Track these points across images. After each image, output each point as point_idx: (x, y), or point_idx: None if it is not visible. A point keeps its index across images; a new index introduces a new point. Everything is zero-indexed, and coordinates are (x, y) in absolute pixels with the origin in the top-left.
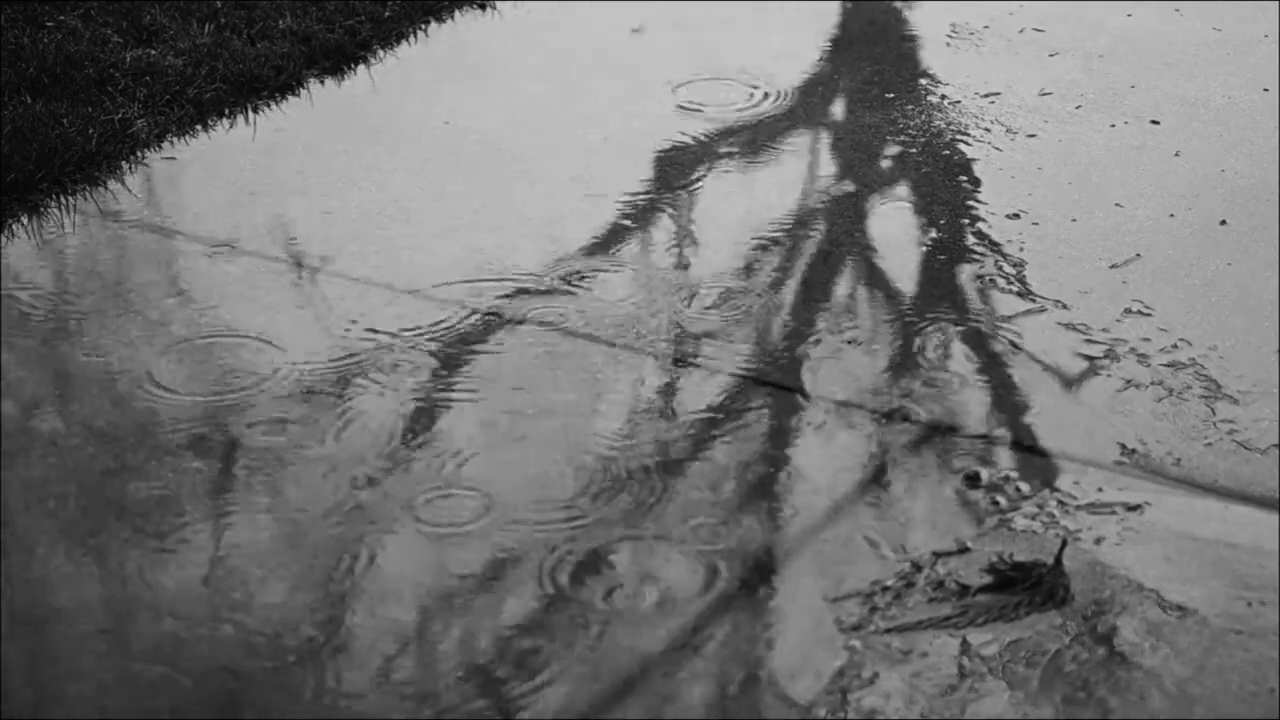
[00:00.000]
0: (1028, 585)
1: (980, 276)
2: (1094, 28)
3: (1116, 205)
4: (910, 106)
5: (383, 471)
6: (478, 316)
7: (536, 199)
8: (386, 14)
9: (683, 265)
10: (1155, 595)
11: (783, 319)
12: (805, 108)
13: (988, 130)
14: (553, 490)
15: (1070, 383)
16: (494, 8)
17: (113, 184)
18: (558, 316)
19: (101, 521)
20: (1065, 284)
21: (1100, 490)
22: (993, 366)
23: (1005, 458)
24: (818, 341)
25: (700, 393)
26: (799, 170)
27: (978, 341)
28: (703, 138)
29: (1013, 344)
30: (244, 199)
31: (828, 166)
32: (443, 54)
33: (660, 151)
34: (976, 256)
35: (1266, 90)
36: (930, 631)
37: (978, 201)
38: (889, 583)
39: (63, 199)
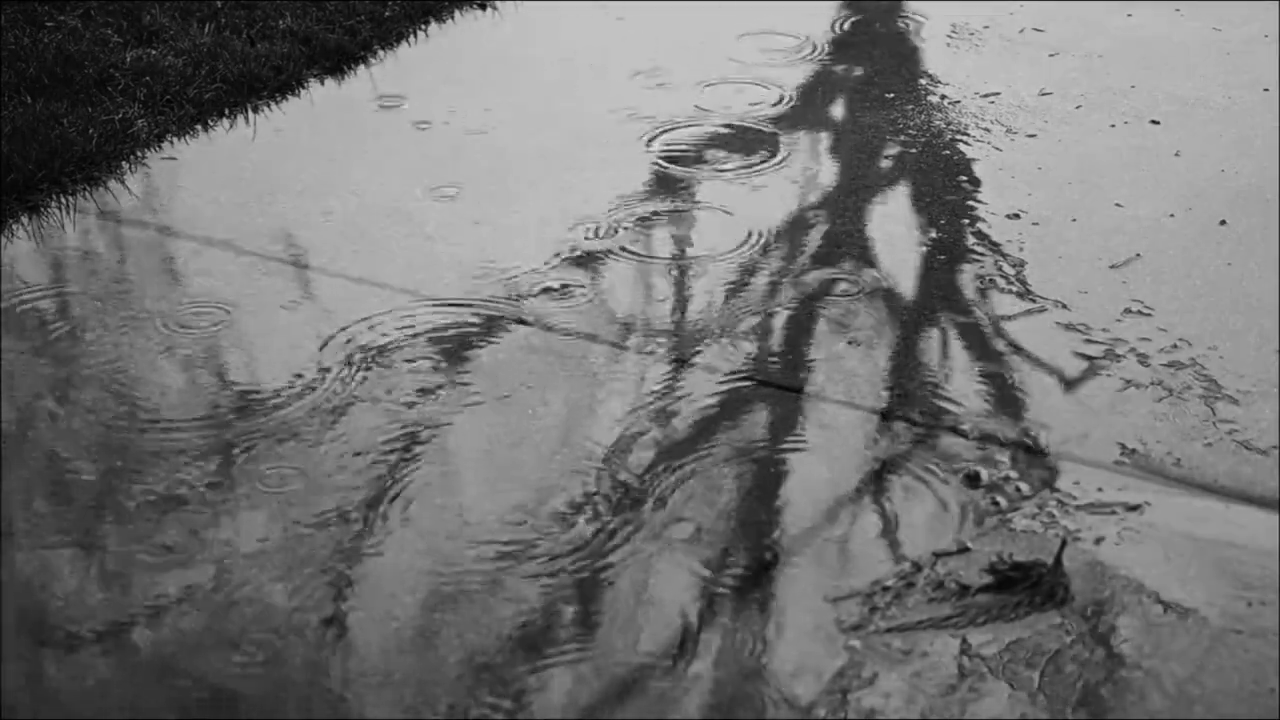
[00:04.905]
0: (1028, 585)
1: (980, 276)
2: (1094, 28)
3: (1116, 205)
4: (910, 106)
5: (383, 471)
6: (478, 316)
7: (536, 199)
8: (386, 14)
9: (683, 265)
10: (1155, 595)
11: (783, 319)
12: (805, 108)
13: (988, 130)
14: (552, 490)
15: (1070, 383)
16: (494, 8)
17: (113, 184)
18: (558, 316)
19: (102, 521)
20: (1065, 284)
21: (1100, 490)
22: (993, 366)
23: (1005, 458)
24: (818, 341)
25: (700, 393)
26: (799, 170)
27: (978, 341)
28: (702, 137)
29: (1013, 344)
30: (244, 199)
31: (828, 166)
32: (443, 54)
33: (660, 151)
34: (976, 256)
35: (1266, 90)
36: (930, 631)
37: (978, 201)
38: (889, 583)
39: (63, 199)
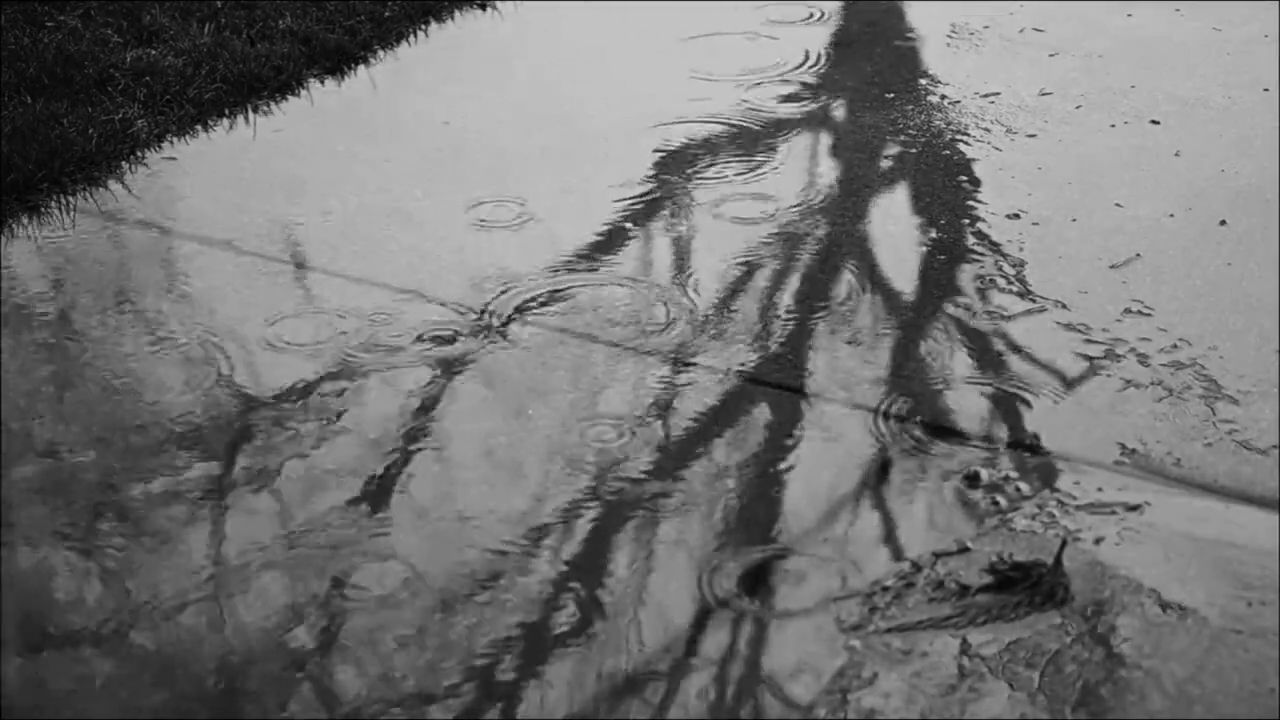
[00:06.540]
0: (1028, 585)
1: (980, 276)
2: (1094, 28)
3: (1116, 205)
4: (910, 106)
5: (383, 471)
6: (477, 317)
7: (536, 199)
8: (386, 14)
9: (683, 265)
10: (1155, 595)
11: (783, 319)
12: (805, 107)
13: (988, 130)
14: (552, 491)
15: (1070, 383)
16: (494, 8)
17: (113, 184)
18: (558, 317)
19: (101, 521)
20: (1065, 284)
21: (1100, 490)
22: (993, 366)
23: (1005, 458)
24: (818, 341)
25: (700, 393)
26: (799, 170)
27: (978, 341)
28: (702, 138)
29: (1013, 344)
30: (244, 199)
31: (828, 166)
32: (443, 54)
33: (660, 151)
34: (976, 256)
35: (1266, 90)
36: (930, 631)
37: (978, 201)
38: (889, 583)
39: (63, 199)
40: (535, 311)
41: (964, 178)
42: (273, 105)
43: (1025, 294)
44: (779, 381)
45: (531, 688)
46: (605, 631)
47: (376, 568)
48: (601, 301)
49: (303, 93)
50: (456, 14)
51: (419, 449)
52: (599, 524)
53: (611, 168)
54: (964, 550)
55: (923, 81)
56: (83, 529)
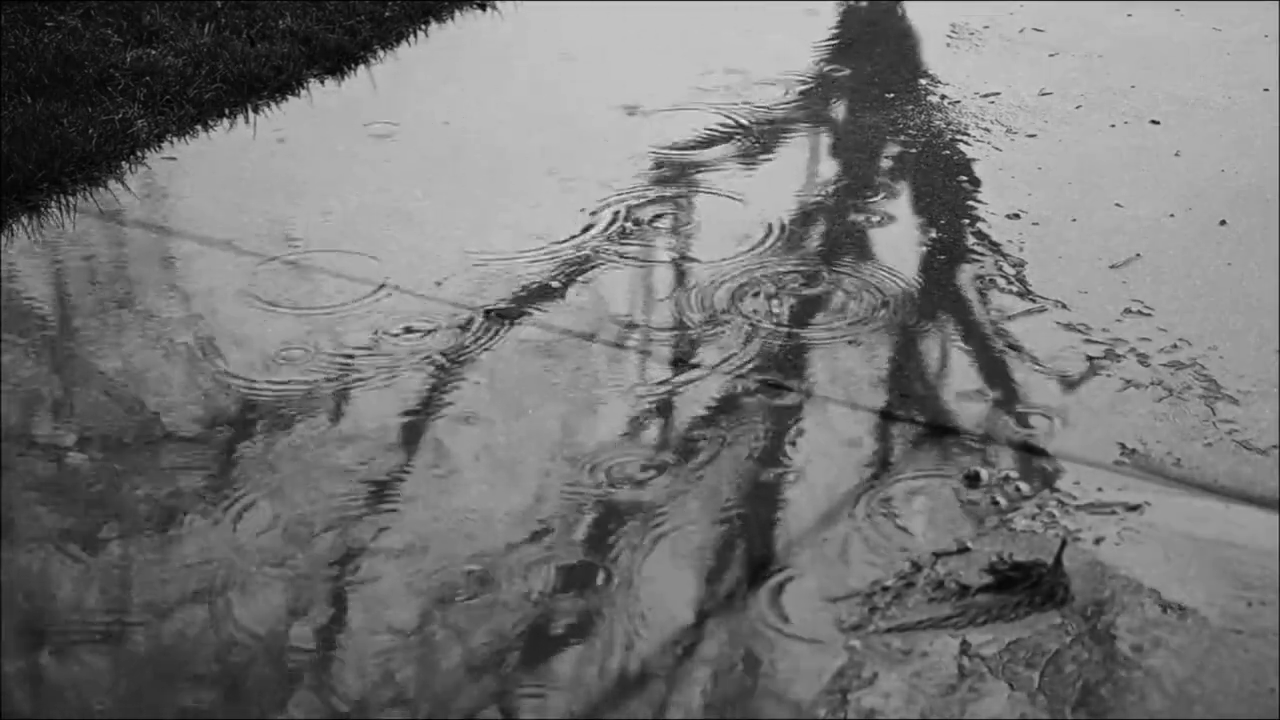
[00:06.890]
0: (1028, 585)
1: (980, 276)
2: (1094, 28)
3: (1116, 205)
4: (910, 106)
5: (383, 470)
6: (477, 316)
7: (536, 199)
8: (386, 14)
9: (682, 265)
10: (1155, 595)
11: (783, 318)
12: (805, 108)
13: (988, 130)
14: (551, 491)
15: (1070, 383)
16: (494, 8)
17: (113, 184)
18: (558, 316)
19: (102, 521)
20: (1065, 284)
21: (1100, 490)
22: (993, 366)
23: (1005, 458)
24: (818, 341)
25: (700, 393)
26: (799, 170)
27: (978, 341)
28: (703, 137)
29: (1013, 344)
30: (244, 199)
31: (828, 166)
32: (443, 54)
33: (660, 151)
34: (976, 256)
35: (1266, 90)
36: (930, 631)
37: (978, 201)
38: (889, 583)
39: (63, 199)
40: (536, 311)
41: (964, 178)
42: (273, 105)
43: (1025, 294)
44: (779, 381)
45: (532, 688)
46: (604, 631)
47: (377, 566)
48: (602, 301)
49: (303, 93)
50: (456, 14)
51: (419, 448)
52: (598, 524)
53: (612, 166)
54: (964, 550)
55: (923, 81)
56: (83, 529)
